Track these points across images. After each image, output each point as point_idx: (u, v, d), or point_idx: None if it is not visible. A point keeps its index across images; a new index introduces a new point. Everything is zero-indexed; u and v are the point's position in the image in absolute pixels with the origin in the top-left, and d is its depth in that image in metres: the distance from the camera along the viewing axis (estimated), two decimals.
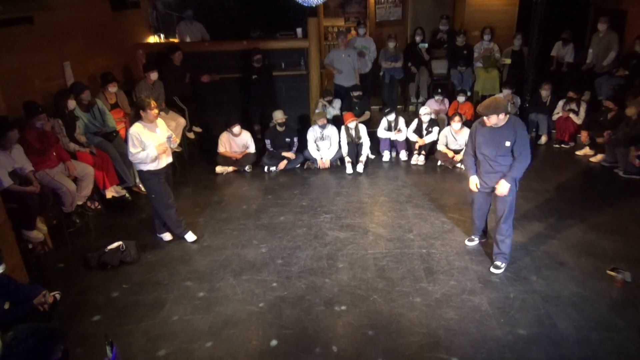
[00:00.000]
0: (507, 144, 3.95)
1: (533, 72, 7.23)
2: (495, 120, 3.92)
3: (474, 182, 4.33)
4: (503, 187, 4.03)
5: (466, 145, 4.43)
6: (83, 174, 5.24)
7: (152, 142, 4.55)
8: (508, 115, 3.97)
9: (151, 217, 5.45)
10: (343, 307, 3.95)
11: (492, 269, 4.31)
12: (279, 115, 6.80)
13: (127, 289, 4.28)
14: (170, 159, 4.84)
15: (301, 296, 4.10)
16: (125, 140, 6.16)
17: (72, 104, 5.42)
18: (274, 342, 3.61)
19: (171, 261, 4.70)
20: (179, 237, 5.04)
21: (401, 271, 4.39)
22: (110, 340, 2.68)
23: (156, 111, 4.56)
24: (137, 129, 4.52)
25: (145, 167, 4.63)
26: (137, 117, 4.61)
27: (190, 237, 5.01)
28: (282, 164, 6.87)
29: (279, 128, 6.85)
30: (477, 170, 4.29)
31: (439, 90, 7.73)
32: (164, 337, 3.68)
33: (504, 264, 4.31)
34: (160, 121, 4.74)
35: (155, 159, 4.59)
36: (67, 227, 5.13)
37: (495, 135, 4.00)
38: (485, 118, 3.96)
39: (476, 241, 4.77)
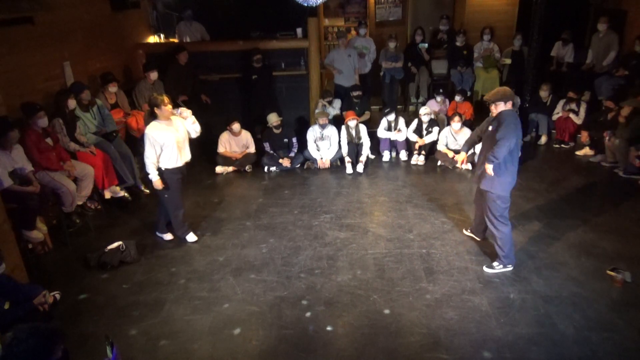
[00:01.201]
0: (490, 128, 4.13)
1: (533, 72, 7.24)
2: (502, 108, 4.02)
3: (461, 157, 4.70)
4: (488, 169, 4.08)
5: (480, 129, 4.51)
6: (83, 174, 5.24)
7: (171, 139, 4.51)
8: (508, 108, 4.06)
9: (151, 217, 5.47)
10: (342, 308, 3.95)
11: (484, 268, 4.37)
12: (273, 119, 6.80)
13: (127, 289, 4.28)
14: (188, 157, 4.79)
15: (301, 296, 4.10)
16: (126, 141, 6.21)
17: (72, 103, 5.41)
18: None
19: (171, 261, 4.70)
20: (179, 237, 5.04)
21: (401, 271, 4.39)
22: (111, 340, 2.68)
23: (170, 107, 4.51)
24: (153, 128, 4.48)
25: (164, 166, 4.60)
26: (152, 116, 4.55)
27: (191, 237, 5.01)
28: (286, 161, 6.87)
29: (275, 130, 6.85)
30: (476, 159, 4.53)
31: (441, 91, 7.72)
32: (164, 337, 3.68)
33: (499, 266, 4.31)
34: (174, 118, 4.67)
35: (177, 152, 4.57)
36: (67, 227, 5.13)
37: (488, 124, 4.22)
38: (492, 107, 4.07)
39: (469, 232, 4.94)
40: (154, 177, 4.59)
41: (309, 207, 5.70)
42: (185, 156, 4.74)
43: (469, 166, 6.58)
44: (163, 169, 4.61)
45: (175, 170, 4.65)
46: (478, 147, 6.22)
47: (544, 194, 5.80)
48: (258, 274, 4.44)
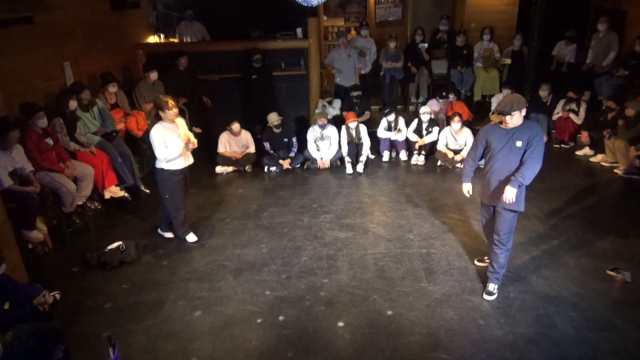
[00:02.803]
0: (519, 144, 3.59)
1: (533, 72, 7.24)
2: (517, 119, 3.58)
3: (466, 189, 4.13)
4: (509, 193, 3.64)
5: (470, 149, 4.09)
6: (83, 174, 5.24)
7: (175, 141, 4.51)
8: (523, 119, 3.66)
9: (151, 217, 5.47)
10: (342, 308, 3.95)
11: (484, 296, 3.98)
12: (273, 118, 6.80)
13: (127, 289, 4.28)
14: (191, 160, 4.78)
15: (301, 296, 4.10)
16: (126, 141, 6.21)
17: (73, 104, 5.42)
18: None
19: (171, 261, 4.70)
20: (179, 237, 5.04)
21: (401, 271, 4.39)
22: (113, 342, 2.69)
23: (176, 110, 4.48)
24: (157, 131, 4.45)
25: (166, 167, 4.59)
26: (157, 118, 4.54)
27: (191, 237, 5.01)
28: (286, 163, 6.88)
29: (275, 130, 6.85)
30: (484, 180, 3.94)
31: (444, 94, 7.71)
32: (164, 337, 3.68)
33: (496, 288, 3.99)
34: (179, 120, 4.66)
35: (181, 154, 4.54)
36: (67, 227, 5.13)
37: (506, 135, 3.65)
38: (507, 119, 3.59)
39: (487, 263, 4.29)
40: (180, 146, 4.47)
41: (309, 207, 5.70)
42: (188, 159, 4.73)
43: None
44: (165, 169, 4.61)
45: (177, 171, 4.65)
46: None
47: (544, 194, 5.80)
48: (258, 274, 4.44)
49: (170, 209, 4.84)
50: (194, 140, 4.66)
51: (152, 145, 4.49)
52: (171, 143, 4.47)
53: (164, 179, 4.66)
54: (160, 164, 4.59)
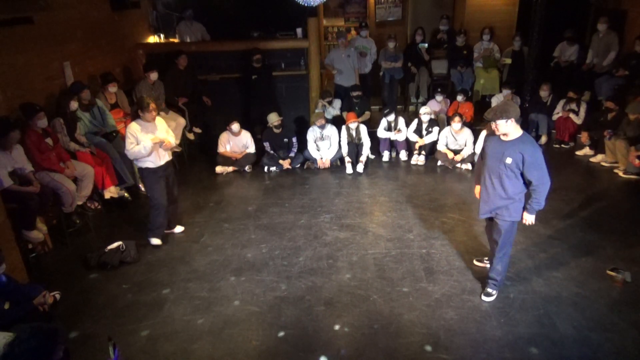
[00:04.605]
0: (508, 160, 3.50)
1: (533, 72, 7.25)
2: (504, 127, 3.47)
3: (477, 191, 4.06)
4: (528, 219, 3.74)
5: (481, 150, 3.95)
6: (83, 174, 5.24)
7: (148, 139, 4.56)
8: (521, 131, 3.54)
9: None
10: (342, 308, 3.95)
11: (482, 297, 3.99)
12: (274, 118, 6.80)
13: (127, 289, 4.28)
14: (169, 157, 4.82)
15: (301, 296, 4.10)
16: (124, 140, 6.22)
17: (74, 105, 5.42)
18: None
19: (171, 261, 4.70)
20: (178, 237, 5.06)
21: (401, 271, 4.39)
22: (113, 342, 2.69)
23: (154, 113, 4.59)
24: (133, 127, 4.56)
25: (144, 165, 4.64)
26: (136, 116, 4.69)
27: (155, 241, 4.93)
28: (286, 163, 6.88)
29: (275, 130, 6.85)
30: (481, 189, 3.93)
31: (439, 90, 7.73)
32: (164, 337, 3.68)
33: (495, 291, 3.97)
34: (160, 121, 4.73)
35: (152, 151, 4.56)
36: (67, 227, 5.13)
37: (499, 148, 3.58)
38: (492, 125, 3.52)
39: (487, 264, 4.34)
40: (148, 145, 4.52)
41: (309, 207, 5.70)
42: (162, 157, 4.72)
43: (469, 166, 6.58)
44: (143, 167, 4.67)
45: (155, 169, 4.68)
46: (477, 148, 6.11)
47: None
48: (258, 274, 4.44)
49: (151, 206, 4.84)
50: (168, 142, 4.67)
51: (125, 140, 4.57)
52: (143, 140, 4.52)
53: (144, 176, 4.76)
54: (139, 162, 4.64)
